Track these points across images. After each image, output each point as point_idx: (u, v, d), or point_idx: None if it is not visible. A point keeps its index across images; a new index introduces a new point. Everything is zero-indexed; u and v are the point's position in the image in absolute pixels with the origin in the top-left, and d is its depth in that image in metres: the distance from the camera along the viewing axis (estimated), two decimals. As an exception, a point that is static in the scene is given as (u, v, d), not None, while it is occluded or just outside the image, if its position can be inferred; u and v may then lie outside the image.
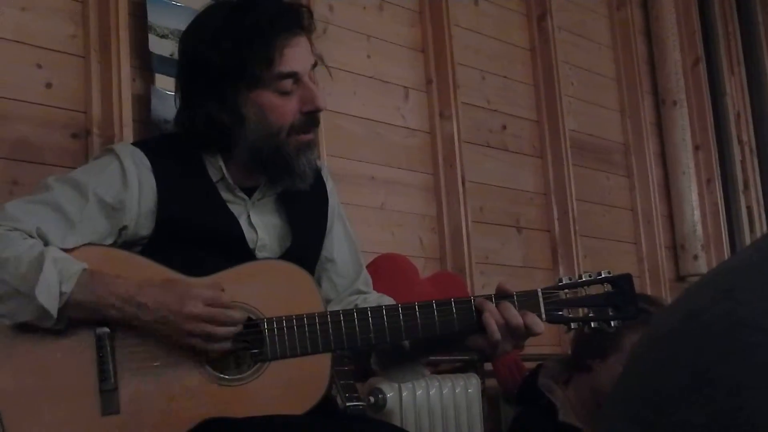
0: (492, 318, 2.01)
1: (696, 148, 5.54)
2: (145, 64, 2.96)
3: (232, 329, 1.94)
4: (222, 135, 2.09)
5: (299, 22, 2.10)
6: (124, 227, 2.04)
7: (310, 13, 2.15)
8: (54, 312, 1.86)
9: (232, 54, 2.03)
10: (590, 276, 2.11)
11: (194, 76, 2.11)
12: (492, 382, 3.74)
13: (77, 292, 1.88)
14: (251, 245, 2.12)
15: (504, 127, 4.43)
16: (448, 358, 3.60)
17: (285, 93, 2.06)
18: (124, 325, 1.94)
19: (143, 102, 2.93)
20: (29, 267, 1.86)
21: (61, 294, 1.86)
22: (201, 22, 2.16)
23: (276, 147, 2.08)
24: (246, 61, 2.03)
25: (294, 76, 2.06)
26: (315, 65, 2.13)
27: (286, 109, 2.07)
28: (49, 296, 1.85)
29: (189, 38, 2.16)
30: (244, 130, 2.07)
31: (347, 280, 2.32)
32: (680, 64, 5.46)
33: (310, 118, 2.11)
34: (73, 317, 1.91)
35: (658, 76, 5.48)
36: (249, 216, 2.15)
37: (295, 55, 2.06)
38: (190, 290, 1.93)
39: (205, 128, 2.08)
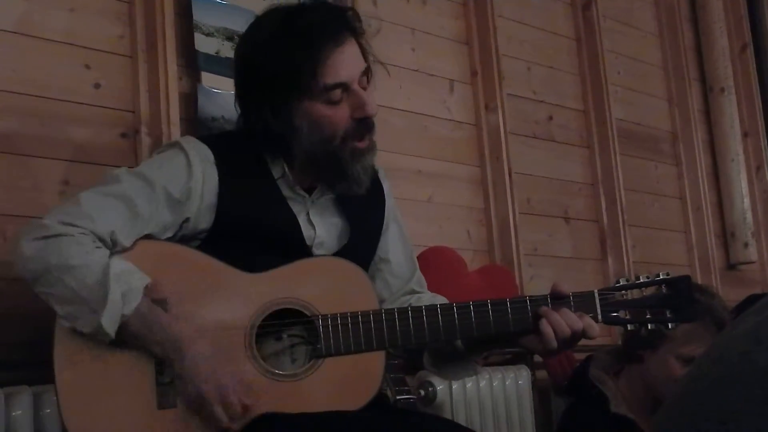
0: (550, 327, 2.00)
1: (745, 134, 5.49)
2: (192, 62, 2.98)
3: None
4: (278, 141, 2.09)
5: (345, 26, 2.08)
6: (186, 219, 2.05)
7: (357, 15, 2.13)
8: (112, 333, 1.88)
9: (282, 63, 2.02)
10: (648, 277, 2.09)
11: (248, 82, 2.11)
12: (542, 374, 3.74)
13: (134, 323, 1.90)
14: (309, 242, 2.13)
15: (550, 118, 4.41)
16: (498, 350, 3.60)
17: (334, 103, 2.04)
18: None
19: (190, 100, 2.95)
20: (95, 281, 1.88)
21: (122, 316, 1.89)
22: (256, 27, 2.15)
23: (331, 153, 2.07)
24: (293, 72, 2.02)
25: (342, 86, 2.04)
26: (367, 69, 2.10)
27: (336, 118, 2.05)
28: (110, 320, 1.87)
29: (244, 43, 2.16)
30: (297, 138, 2.07)
31: (401, 280, 2.32)
32: (727, 50, 5.41)
33: (363, 125, 2.07)
34: (124, 338, 1.92)
35: (705, 63, 5.42)
36: (308, 214, 2.15)
37: (342, 64, 2.03)
38: (225, 384, 1.91)
39: (263, 134, 2.09)
